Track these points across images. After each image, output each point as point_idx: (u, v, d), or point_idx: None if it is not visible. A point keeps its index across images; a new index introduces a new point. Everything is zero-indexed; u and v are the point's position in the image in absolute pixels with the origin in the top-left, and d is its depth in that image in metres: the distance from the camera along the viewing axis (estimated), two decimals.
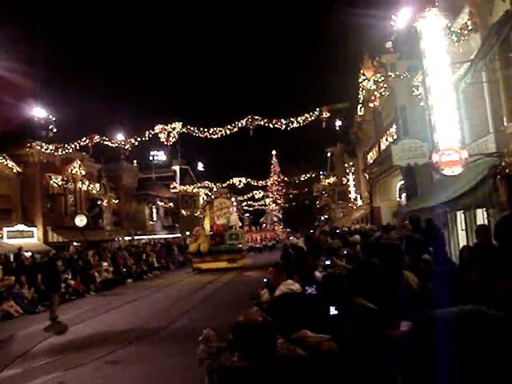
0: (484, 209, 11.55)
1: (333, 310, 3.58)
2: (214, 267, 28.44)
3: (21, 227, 30.44)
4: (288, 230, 67.14)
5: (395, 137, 18.31)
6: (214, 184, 52.64)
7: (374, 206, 26.61)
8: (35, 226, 32.07)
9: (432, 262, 5.37)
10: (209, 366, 5.73)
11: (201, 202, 52.07)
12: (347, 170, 39.38)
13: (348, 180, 39.59)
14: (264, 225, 61.86)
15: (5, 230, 28.44)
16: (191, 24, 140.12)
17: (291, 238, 32.16)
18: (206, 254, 29.78)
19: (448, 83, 10.88)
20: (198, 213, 38.88)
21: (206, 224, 33.24)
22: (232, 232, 31.67)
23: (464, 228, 13.54)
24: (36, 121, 31.69)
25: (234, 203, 35.22)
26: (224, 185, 48.91)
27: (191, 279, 25.67)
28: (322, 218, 66.90)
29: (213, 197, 35.98)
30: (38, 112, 31.56)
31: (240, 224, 34.28)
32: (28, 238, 30.62)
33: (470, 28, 11.65)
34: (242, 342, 2.71)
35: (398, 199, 23.59)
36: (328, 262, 8.10)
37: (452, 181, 11.56)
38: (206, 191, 53.43)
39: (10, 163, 30.80)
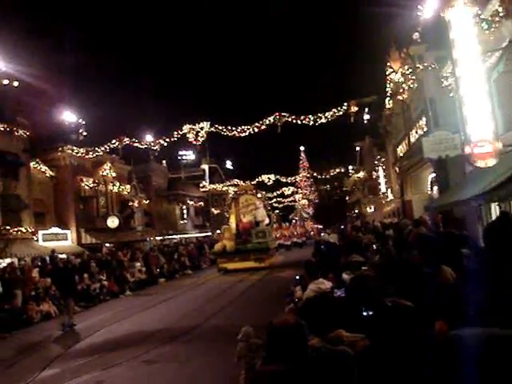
0: None
1: (364, 312, 3.54)
2: (240, 267, 27.32)
3: (55, 230, 31.06)
4: (319, 225, 66.86)
5: (425, 129, 18.00)
6: (244, 182, 52.73)
7: (406, 200, 26.25)
8: (69, 229, 32.66)
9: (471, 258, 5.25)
10: (248, 363, 5.75)
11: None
12: (377, 164, 38.93)
13: (378, 174, 39.13)
14: (294, 221, 61.42)
15: (40, 233, 29.04)
16: (218, 22, 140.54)
17: (322, 234, 31.71)
18: (232, 254, 28.55)
19: (479, 73, 10.64)
20: (221, 211, 37.54)
21: (232, 222, 31.76)
22: (259, 229, 30.11)
23: None
24: (67, 125, 32.27)
25: (261, 198, 33.67)
26: (253, 182, 48.65)
27: (223, 278, 25.73)
28: (353, 213, 66.44)
29: (238, 193, 34.00)
30: (69, 116, 32.13)
31: (268, 221, 32.61)
32: (62, 240, 31.22)
33: (501, 14, 11.35)
34: (276, 345, 2.72)
35: (429, 192, 23.21)
36: (361, 259, 8.03)
37: (485, 172, 11.31)
38: (234, 189, 53.29)
39: (43, 167, 31.47)
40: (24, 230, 26.59)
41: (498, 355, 1.27)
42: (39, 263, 22.61)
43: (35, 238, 28.37)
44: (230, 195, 35.67)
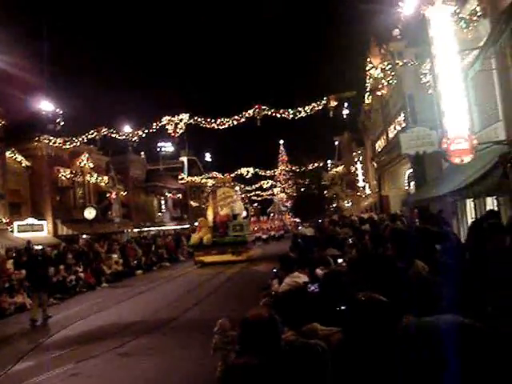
0: (494, 197, 11.48)
1: (338, 308, 3.59)
2: (217, 260, 27.12)
3: (31, 221, 30.68)
4: (297, 219, 67.15)
5: (403, 125, 18.18)
6: (222, 174, 52.64)
7: (383, 195, 26.55)
8: (45, 220, 32.30)
9: (442, 254, 5.34)
10: (224, 355, 5.77)
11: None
12: (355, 159, 39.26)
13: (356, 169, 39.47)
14: (272, 214, 61.58)
15: (15, 224, 28.66)
16: (197, 13, 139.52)
17: (300, 227, 31.83)
18: (209, 247, 28.18)
19: (457, 70, 10.75)
20: (199, 203, 36.93)
21: (209, 215, 31.22)
22: (236, 223, 29.86)
23: (474, 216, 13.48)
24: (44, 114, 31.84)
25: (239, 192, 33.24)
26: (232, 175, 48.50)
27: (200, 270, 25.72)
28: (331, 207, 66.88)
29: (216, 186, 33.49)
30: (46, 106, 31.70)
31: (245, 214, 32.30)
32: (38, 231, 30.86)
33: (479, 14, 11.50)
34: (248, 338, 2.74)
35: (406, 188, 23.50)
36: (336, 253, 8.10)
37: (461, 169, 11.48)
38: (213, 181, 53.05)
39: (19, 157, 31.01)
40: None
41: (454, 339, 1.32)
42: (14, 254, 22.30)
43: (10, 229, 27.98)
44: (208, 187, 34.80)
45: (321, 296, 4.02)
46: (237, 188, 33.51)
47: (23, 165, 31.54)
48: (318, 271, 5.96)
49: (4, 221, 26.86)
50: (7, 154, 29.35)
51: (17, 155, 30.74)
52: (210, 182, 54.06)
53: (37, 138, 30.22)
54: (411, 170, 20.66)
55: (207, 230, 29.17)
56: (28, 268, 16.30)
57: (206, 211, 32.18)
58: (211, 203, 31.81)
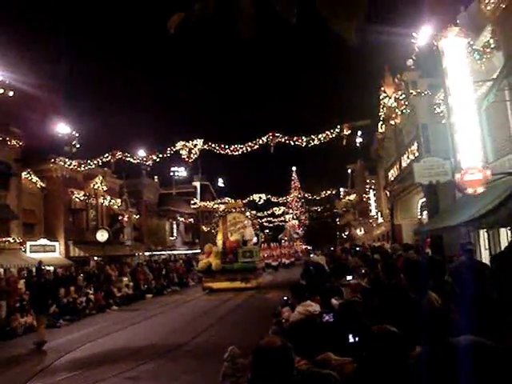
0: (508, 228, 11.39)
1: (351, 338, 3.58)
2: (225, 287, 26.63)
3: (43, 241, 30.83)
4: (308, 246, 66.82)
5: (417, 154, 18.19)
6: (235, 200, 52.73)
7: (395, 224, 26.38)
8: (57, 241, 32.44)
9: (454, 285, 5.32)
10: (233, 382, 5.73)
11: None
12: (368, 187, 39.16)
13: (369, 197, 39.34)
14: (283, 241, 61.26)
15: (28, 244, 28.81)
16: (216, 40, 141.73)
17: (311, 255, 31.52)
18: (217, 273, 27.68)
19: (470, 101, 10.81)
20: (210, 228, 35.78)
21: (219, 240, 30.77)
22: (246, 249, 29.25)
23: (487, 247, 13.35)
24: (60, 137, 32.20)
25: (249, 217, 32.53)
26: (244, 201, 48.40)
27: (210, 296, 25.62)
28: (343, 236, 66.53)
29: (226, 211, 32.86)
30: (62, 128, 32.09)
31: (255, 240, 31.59)
32: (50, 252, 30.97)
33: (492, 46, 11.60)
34: (261, 366, 2.74)
35: (419, 217, 23.35)
36: (349, 278, 8.06)
37: (475, 199, 11.42)
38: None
39: (34, 178, 31.35)
40: (12, 241, 26.39)
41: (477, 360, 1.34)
42: (25, 274, 22.41)
43: (23, 249, 28.13)
44: (218, 213, 34.16)
45: (335, 326, 4.02)
46: (247, 213, 32.72)
47: (38, 186, 31.87)
48: (334, 301, 5.94)
49: (17, 240, 27.04)
50: (23, 174, 29.71)
51: (32, 176, 31.09)
52: (222, 207, 54.11)
53: (52, 160, 30.53)
54: (424, 200, 20.56)
55: (216, 256, 28.67)
56: (30, 290, 16.27)
57: (216, 236, 31.68)
58: (221, 228, 31.34)
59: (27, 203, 30.25)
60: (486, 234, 13.56)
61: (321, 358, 3.25)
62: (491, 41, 11.59)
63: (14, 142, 27.65)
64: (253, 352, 2.79)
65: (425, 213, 21.23)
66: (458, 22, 11.87)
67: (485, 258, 13.38)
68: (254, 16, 2.08)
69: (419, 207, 23.07)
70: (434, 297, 4.50)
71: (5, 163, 27.31)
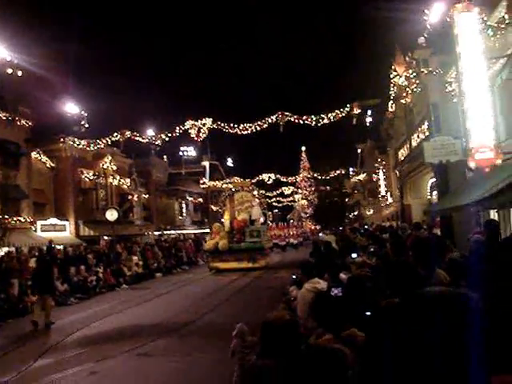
0: None
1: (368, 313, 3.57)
2: (232, 267, 26.29)
3: (54, 221, 31.10)
4: (318, 226, 66.82)
5: (427, 134, 18.01)
6: (244, 180, 52.67)
7: (405, 204, 26.28)
8: (67, 220, 32.71)
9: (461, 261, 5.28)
10: (241, 358, 5.76)
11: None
12: (378, 167, 38.99)
13: (378, 177, 39.19)
14: (291, 221, 61.15)
15: (38, 223, 29.08)
16: (221, 19, 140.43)
17: (320, 234, 31.50)
18: (224, 253, 27.28)
19: (483, 79, 10.65)
20: (211, 207, 34.76)
21: (226, 219, 30.05)
22: (253, 228, 28.59)
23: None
24: (69, 116, 32.28)
25: (257, 196, 31.50)
26: (253, 180, 48.07)
27: (219, 275, 25.70)
28: (353, 215, 66.48)
29: (233, 190, 31.65)
30: (71, 108, 32.14)
31: (263, 220, 30.88)
32: (60, 231, 31.26)
33: (507, 22, 11.35)
34: (269, 339, 2.75)
35: (429, 197, 23.25)
36: (355, 256, 8.05)
37: (485, 179, 11.32)
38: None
39: (44, 158, 31.51)
40: (22, 220, 26.63)
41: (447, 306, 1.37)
42: (36, 253, 22.62)
43: (33, 228, 28.40)
44: (226, 192, 33.08)
45: (344, 300, 4.01)
46: (255, 192, 31.83)
47: (48, 165, 32.05)
48: (342, 275, 5.94)
49: (28, 220, 27.27)
50: (33, 154, 29.85)
51: (42, 156, 31.25)
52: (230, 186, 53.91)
53: (62, 140, 30.59)
54: (434, 180, 20.43)
55: (223, 236, 28.32)
56: (34, 270, 15.90)
57: (223, 216, 31.16)
58: (228, 207, 30.77)
59: (37, 183, 30.46)
60: (496, 213, 13.46)
61: (346, 333, 3.25)
62: (506, 16, 11.34)
63: (23, 121, 27.74)
64: (262, 326, 2.80)
65: (434, 193, 21.13)
66: None
67: None
68: None
69: (429, 187, 22.96)
70: (442, 274, 4.47)
71: (15, 143, 27.44)
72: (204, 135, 26.30)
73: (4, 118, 26.22)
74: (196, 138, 26.17)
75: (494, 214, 13.76)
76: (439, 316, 2.15)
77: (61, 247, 25.84)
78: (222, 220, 30.41)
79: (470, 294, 2.05)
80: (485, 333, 2.02)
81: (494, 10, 11.87)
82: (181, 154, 60.30)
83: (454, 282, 4.43)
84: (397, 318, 2.70)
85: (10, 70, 22.95)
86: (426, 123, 18.48)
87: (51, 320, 13.91)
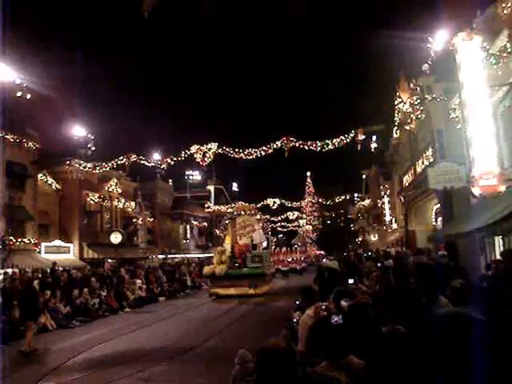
0: None
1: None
2: (233, 293, 25.40)
3: (58, 243, 31.13)
4: (321, 251, 66.52)
5: (431, 160, 18.06)
6: (249, 204, 52.61)
7: (409, 230, 26.19)
8: (71, 242, 32.72)
9: (464, 288, 5.25)
10: None
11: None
12: (382, 193, 38.98)
13: (383, 203, 39.13)
14: (296, 246, 60.77)
15: (43, 244, 29.12)
16: (227, 45, 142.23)
17: (324, 259, 31.16)
18: (224, 278, 26.31)
19: (486, 107, 10.72)
20: (217, 231, 33.70)
21: (227, 244, 29.27)
22: (255, 253, 27.78)
23: None
24: (75, 139, 32.53)
25: (259, 220, 30.87)
26: (258, 205, 47.88)
27: (221, 300, 25.45)
28: (357, 241, 66.24)
29: (235, 213, 31.00)
30: (78, 131, 32.41)
31: (265, 244, 30.18)
32: (64, 253, 31.25)
33: (509, 50, 11.48)
34: (264, 368, 2.74)
35: (433, 223, 23.18)
36: (351, 281, 8.01)
37: (490, 205, 11.31)
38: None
39: (50, 180, 31.70)
40: (27, 241, 26.68)
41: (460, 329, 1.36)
42: (40, 275, 22.59)
43: (37, 250, 28.42)
44: (227, 215, 32.17)
45: (345, 328, 3.99)
46: (257, 216, 31.23)
47: (53, 187, 32.22)
48: (343, 303, 5.91)
49: (32, 241, 27.32)
50: (39, 176, 30.05)
51: (48, 178, 31.45)
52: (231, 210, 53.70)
53: (68, 162, 30.77)
54: (438, 206, 20.41)
55: (223, 261, 27.43)
56: (18, 296, 15.34)
57: (224, 240, 30.35)
58: (230, 231, 30.08)
59: (42, 205, 30.59)
60: (501, 240, 13.40)
61: (344, 361, 3.23)
62: (508, 45, 11.47)
63: (30, 144, 28.03)
64: (256, 353, 2.79)
65: (439, 219, 21.08)
66: (474, 26, 11.76)
67: None
68: None
69: (434, 213, 22.91)
70: (445, 301, 4.45)
71: (21, 165, 27.67)
72: (209, 160, 26.39)
73: (12, 140, 26.48)
74: (201, 163, 26.25)
75: (498, 241, 13.71)
76: (446, 338, 2.13)
77: (64, 269, 25.81)
78: (224, 244, 29.65)
79: (477, 315, 2.04)
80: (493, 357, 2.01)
81: (496, 39, 12.01)
82: (186, 177, 60.54)
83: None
84: (401, 345, 2.69)
85: (19, 93, 23.26)
86: (431, 149, 18.55)
87: (27, 349, 13.18)
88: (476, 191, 10.94)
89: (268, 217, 50.41)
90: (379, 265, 13.92)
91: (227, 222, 30.88)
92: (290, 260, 47.78)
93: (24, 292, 15.24)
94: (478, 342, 1.90)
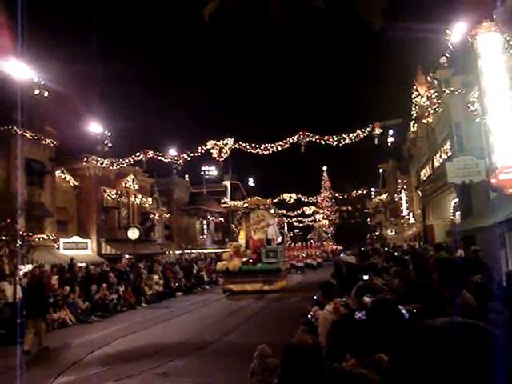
0: None
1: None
2: (247, 289, 24.98)
3: (76, 239, 31.42)
4: (339, 246, 66.30)
5: (450, 153, 17.88)
6: (265, 199, 52.47)
7: (427, 224, 26.01)
8: (89, 238, 33.00)
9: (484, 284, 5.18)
10: (261, 381, 5.72)
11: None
12: (399, 187, 38.71)
13: (400, 197, 38.87)
14: (312, 241, 60.31)
15: (61, 241, 29.41)
16: (244, 39, 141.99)
17: (342, 254, 30.86)
18: (237, 274, 25.85)
19: (506, 99, 10.55)
20: (233, 226, 32.82)
21: (241, 239, 28.91)
22: (270, 249, 27.13)
23: None
24: (93, 136, 32.70)
25: (274, 215, 30.23)
26: (274, 200, 47.45)
27: (238, 296, 25.42)
28: (374, 236, 65.94)
29: (249, 208, 30.29)
30: (95, 127, 32.58)
31: (280, 239, 29.27)
32: (82, 249, 31.55)
33: None
34: (291, 363, 2.73)
35: (452, 217, 22.97)
36: (366, 277, 7.94)
37: (510, 199, 11.15)
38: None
39: (68, 177, 31.98)
40: (46, 238, 26.95)
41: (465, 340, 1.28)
42: (58, 271, 22.81)
43: (56, 246, 28.72)
44: (241, 210, 31.50)
45: (368, 324, 3.95)
46: (272, 211, 30.53)
47: (71, 184, 32.50)
48: (366, 299, 5.85)
49: (51, 238, 27.61)
50: (57, 173, 30.33)
51: (66, 175, 31.73)
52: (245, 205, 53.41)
53: (85, 159, 31.02)
54: (457, 200, 20.21)
55: (238, 256, 27.08)
56: (27, 292, 14.71)
57: (238, 235, 29.91)
58: (244, 226, 29.67)
59: (61, 201, 30.87)
60: None
61: (373, 358, 3.20)
62: None
63: (48, 141, 28.28)
64: (284, 350, 2.78)
65: (457, 213, 20.88)
66: (494, 17, 11.56)
67: None
68: (283, 6, 2.06)
69: (452, 207, 22.70)
70: (468, 296, 4.39)
71: (40, 162, 27.93)
72: (226, 155, 26.42)
73: (30, 138, 26.73)
74: (218, 159, 26.28)
75: None
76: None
77: (83, 265, 26.04)
78: (238, 239, 29.34)
79: (491, 328, 1.91)
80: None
81: None
82: (202, 173, 60.69)
83: (481, 306, 4.34)
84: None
85: (36, 91, 23.49)
86: (449, 143, 18.35)
87: (44, 345, 13.18)
88: (496, 185, 10.79)
89: (284, 212, 50.30)
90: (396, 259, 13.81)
91: (241, 216, 30.39)
92: (305, 255, 46.99)
93: (29, 289, 14.60)
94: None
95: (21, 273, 19.55)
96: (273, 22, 2.09)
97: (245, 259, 26.76)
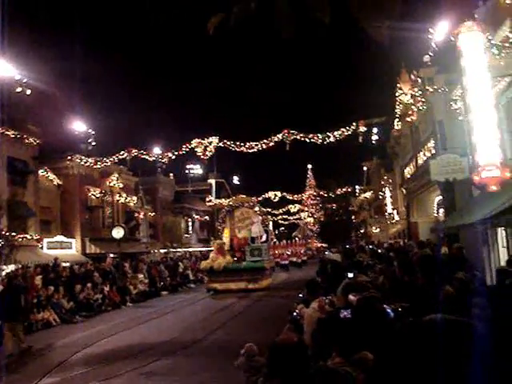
0: None
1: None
2: (231, 288, 24.81)
3: (60, 238, 31.13)
4: (324, 244, 66.53)
5: (433, 151, 18.02)
6: (250, 197, 52.44)
7: (411, 222, 26.18)
8: (73, 238, 32.73)
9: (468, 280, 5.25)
10: (248, 378, 5.74)
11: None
12: (384, 185, 38.92)
13: (385, 195, 39.08)
14: (297, 239, 60.38)
15: (45, 240, 29.13)
16: (228, 38, 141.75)
17: (327, 252, 30.99)
18: (222, 273, 25.53)
19: (488, 97, 10.65)
20: (217, 224, 32.47)
21: (226, 237, 28.63)
22: (254, 247, 27.06)
23: (505, 245, 13.17)
24: (76, 134, 32.42)
25: (258, 212, 29.95)
26: (259, 198, 47.35)
27: (223, 294, 25.35)
28: (359, 233, 66.29)
29: (233, 206, 30.17)
30: (78, 126, 32.30)
31: (264, 237, 29.13)
32: (66, 249, 31.27)
33: (511, 41, 11.41)
34: (277, 361, 2.74)
35: (435, 215, 23.14)
36: (351, 275, 7.98)
37: (492, 197, 11.27)
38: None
39: (51, 176, 31.67)
40: (29, 237, 26.69)
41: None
42: (42, 271, 22.59)
43: (40, 246, 28.44)
44: (225, 208, 31.33)
45: (354, 322, 3.96)
46: (256, 208, 30.36)
47: (55, 183, 32.19)
48: (351, 297, 5.88)
49: (34, 237, 27.34)
50: (40, 172, 30.02)
51: (49, 174, 31.41)
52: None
53: (69, 158, 30.72)
54: (440, 197, 20.37)
55: (222, 254, 26.64)
56: (1, 295, 13.73)
57: (222, 233, 29.54)
58: (228, 224, 29.34)
59: (44, 200, 30.57)
60: (503, 231, 13.38)
61: (358, 356, 3.21)
62: (510, 35, 11.39)
63: (31, 139, 27.96)
64: (270, 348, 2.79)
65: (441, 210, 21.04)
66: (476, 16, 11.67)
67: (503, 256, 13.22)
68: (292, 17, 2.08)
69: (436, 205, 22.87)
70: (451, 291, 4.44)
71: (22, 161, 27.64)
72: (210, 153, 26.35)
73: (12, 136, 26.42)
74: (203, 157, 26.21)
75: (501, 232, 13.69)
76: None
77: (67, 265, 25.83)
78: (222, 238, 29.05)
79: (472, 322, 1.90)
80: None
81: (498, 29, 11.92)
82: (187, 171, 60.51)
83: (464, 302, 4.39)
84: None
85: (19, 89, 23.19)
86: (432, 141, 18.49)
87: (24, 346, 12.88)
88: (478, 182, 10.89)
89: (269, 210, 50.32)
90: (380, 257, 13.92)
91: (225, 214, 30.16)
92: (290, 253, 47.07)
93: (5, 292, 13.93)
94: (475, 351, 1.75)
95: (3, 273, 19.33)
96: (286, 33, 2.15)
97: (225, 258, 26.40)
